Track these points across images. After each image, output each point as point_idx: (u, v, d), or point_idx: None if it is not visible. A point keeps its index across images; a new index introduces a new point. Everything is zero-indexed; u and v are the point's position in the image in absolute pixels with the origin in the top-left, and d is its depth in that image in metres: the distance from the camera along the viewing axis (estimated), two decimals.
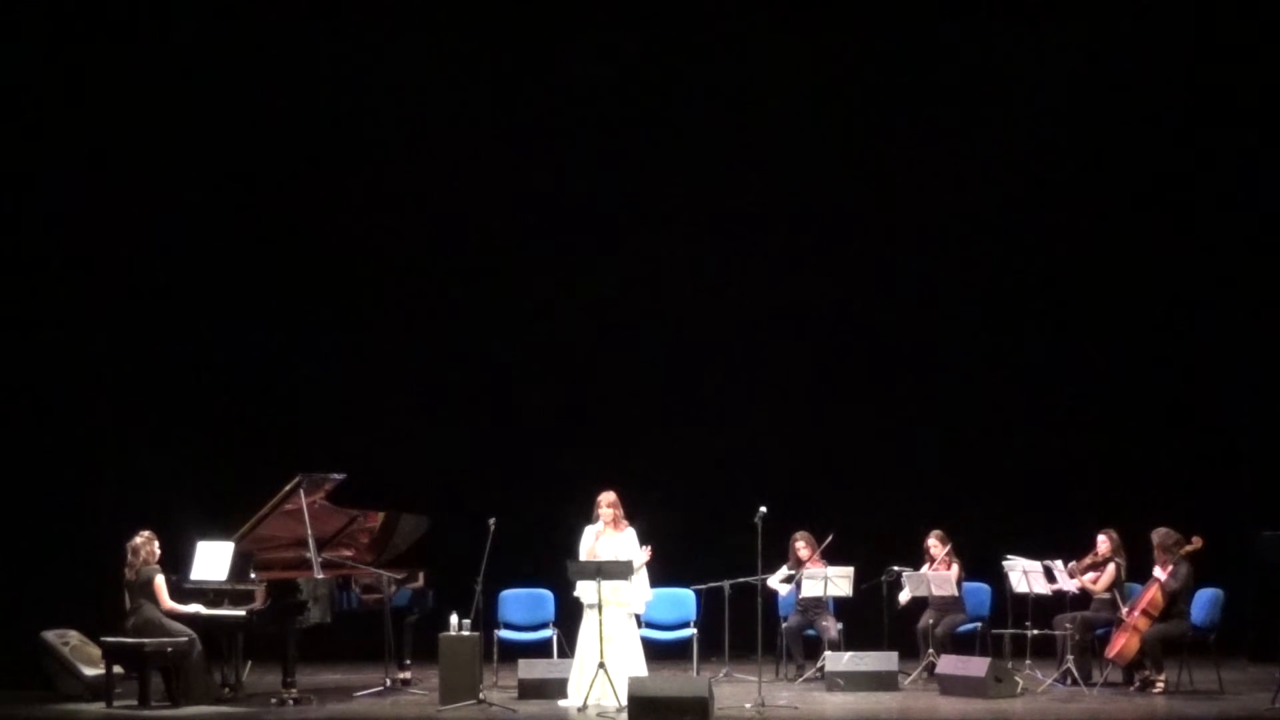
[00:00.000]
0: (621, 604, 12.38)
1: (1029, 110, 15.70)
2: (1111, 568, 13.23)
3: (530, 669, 12.95)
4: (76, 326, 15.79)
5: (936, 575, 13.78)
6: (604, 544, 12.48)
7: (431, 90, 15.96)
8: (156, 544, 12.62)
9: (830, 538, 13.78)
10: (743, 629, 13.35)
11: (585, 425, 15.92)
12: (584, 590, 12.40)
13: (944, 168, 15.87)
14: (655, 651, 13.28)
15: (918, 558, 14.09)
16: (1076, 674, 12.98)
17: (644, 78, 16.06)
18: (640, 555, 12.50)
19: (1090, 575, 13.27)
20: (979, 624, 13.97)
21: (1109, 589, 13.20)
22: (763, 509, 12.24)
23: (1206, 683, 12.94)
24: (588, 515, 12.68)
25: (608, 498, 12.63)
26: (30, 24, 15.61)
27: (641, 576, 12.57)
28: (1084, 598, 13.38)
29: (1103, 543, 13.29)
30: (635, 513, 12.74)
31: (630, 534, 12.60)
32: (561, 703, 12.45)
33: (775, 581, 13.95)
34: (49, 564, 15.11)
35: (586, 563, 12.35)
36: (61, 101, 15.71)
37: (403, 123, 16.04)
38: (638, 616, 12.73)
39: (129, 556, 12.55)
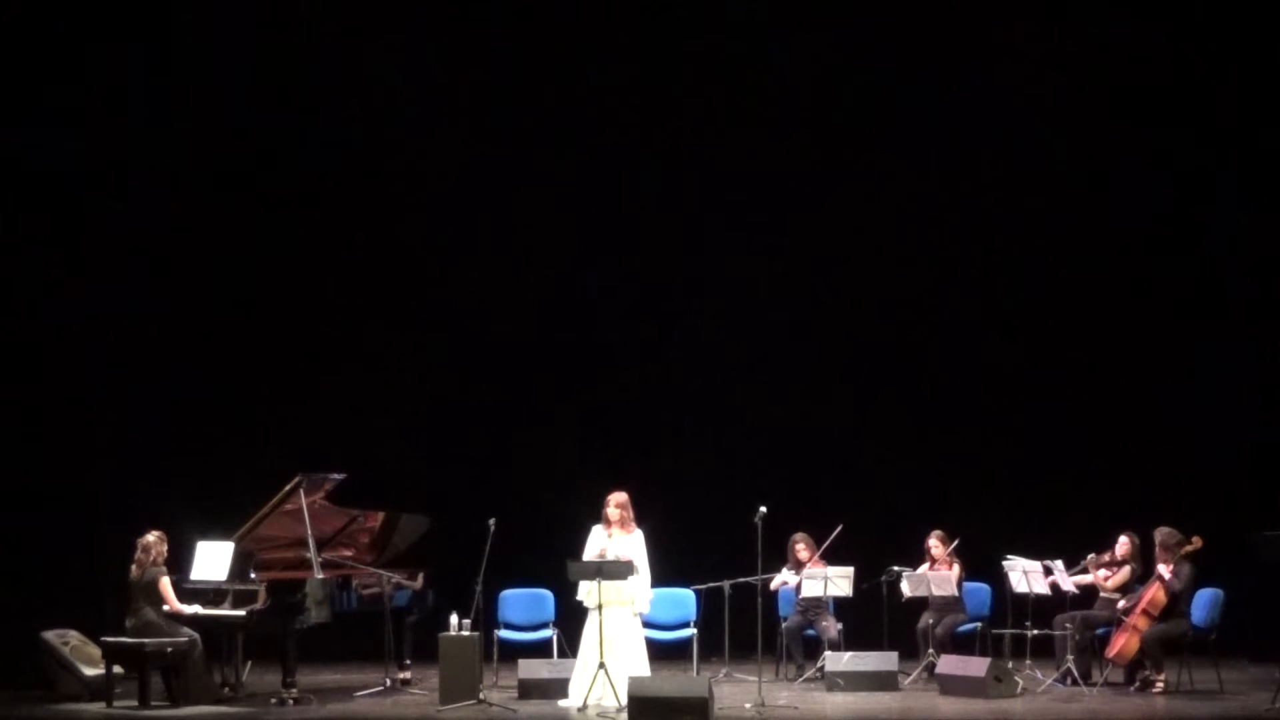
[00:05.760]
0: (623, 603, 12.36)
1: (1033, 110, 15.70)
2: (1127, 569, 13.22)
3: (530, 669, 12.95)
4: (77, 326, 15.81)
5: (936, 575, 13.78)
6: (614, 545, 12.41)
7: (431, 91, 15.95)
8: (166, 545, 12.62)
9: (839, 529, 13.74)
10: (743, 629, 13.35)
11: (586, 425, 15.91)
12: (588, 593, 12.35)
13: (947, 168, 15.88)
14: (655, 651, 13.23)
15: (918, 558, 14.09)
16: (1076, 674, 12.98)
17: (643, 78, 16.05)
18: (644, 560, 12.47)
19: (1104, 572, 13.27)
20: (979, 624, 13.96)
21: (1118, 590, 13.20)
22: (763, 509, 12.23)
23: (1206, 683, 12.94)
24: (590, 514, 12.66)
25: (618, 498, 12.55)
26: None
27: (645, 580, 12.54)
28: (1084, 598, 13.38)
29: (1123, 545, 13.27)
30: (636, 513, 12.67)
31: (638, 536, 12.55)
32: (561, 703, 12.44)
33: (778, 581, 13.99)
34: (49, 564, 15.12)
35: (587, 563, 12.33)
36: (58, 96, 15.73)
37: (401, 123, 16.03)
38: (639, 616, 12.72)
39: (138, 553, 12.54)
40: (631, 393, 16.01)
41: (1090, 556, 13.32)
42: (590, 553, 12.44)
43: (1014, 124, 15.71)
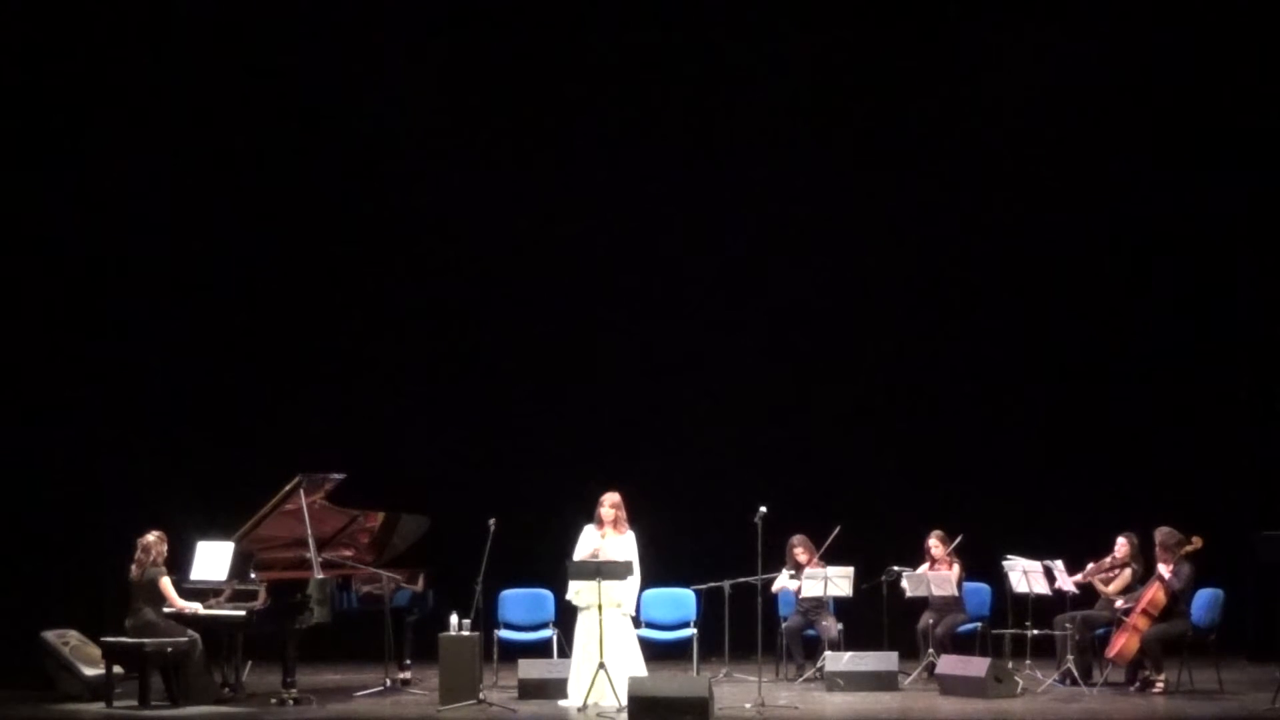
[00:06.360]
0: (615, 604, 12.34)
1: (1029, 106, 15.70)
2: (1128, 572, 13.21)
3: (530, 669, 12.94)
4: (76, 326, 15.81)
5: (936, 575, 13.78)
6: (606, 545, 12.42)
7: (428, 93, 15.94)
8: (165, 545, 12.62)
9: (837, 530, 13.73)
10: (743, 629, 13.34)
11: (585, 426, 15.91)
12: (576, 593, 12.36)
13: (943, 167, 15.89)
14: (655, 651, 13.27)
15: (918, 558, 14.08)
16: (1076, 674, 12.98)
17: (641, 75, 16.05)
18: (635, 561, 12.46)
19: (1103, 576, 13.26)
20: (979, 624, 13.96)
21: (1120, 593, 13.18)
22: (763, 509, 12.24)
23: (1206, 683, 12.94)
24: (588, 515, 12.66)
25: (611, 498, 12.55)
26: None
27: (635, 581, 12.52)
28: (1084, 598, 13.37)
29: (1121, 546, 13.24)
30: (635, 513, 12.69)
31: (630, 537, 12.53)
32: (561, 703, 12.43)
33: (779, 584, 13.99)
34: (49, 564, 15.11)
35: (585, 562, 12.32)
36: (58, 105, 15.75)
37: (400, 124, 16.03)
38: (634, 617, 12.71)
39: (138, 553, 12.53)
40: (632, 392, 16.01)
41: (1090, 566, 13.30)
42: (582, 552, 12.43)
43: (1011, 125, 15.71)
